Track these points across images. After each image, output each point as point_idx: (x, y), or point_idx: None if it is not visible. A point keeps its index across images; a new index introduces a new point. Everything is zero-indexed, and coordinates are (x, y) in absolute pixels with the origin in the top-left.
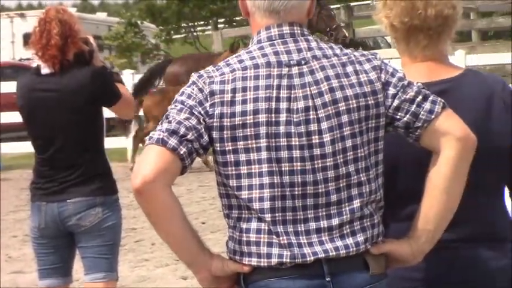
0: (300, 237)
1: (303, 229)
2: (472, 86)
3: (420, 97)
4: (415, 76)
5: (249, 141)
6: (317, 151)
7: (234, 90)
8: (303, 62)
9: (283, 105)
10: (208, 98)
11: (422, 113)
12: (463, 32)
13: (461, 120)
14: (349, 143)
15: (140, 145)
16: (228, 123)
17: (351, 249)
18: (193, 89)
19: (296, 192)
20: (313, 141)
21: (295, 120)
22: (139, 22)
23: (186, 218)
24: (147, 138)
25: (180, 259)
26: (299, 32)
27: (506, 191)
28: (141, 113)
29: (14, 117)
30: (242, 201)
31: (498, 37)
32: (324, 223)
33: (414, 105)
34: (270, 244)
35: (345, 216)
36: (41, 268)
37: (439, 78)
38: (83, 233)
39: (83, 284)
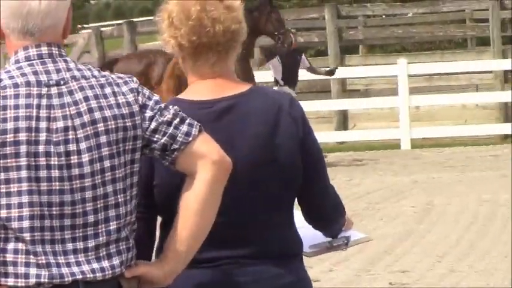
0: (59, 258)
1: (60, 249)
2: (260, 101)
3: (177, 120)
4: (203, 93)
5: (9, 160)
6: (75, 171)
7: None
8: (62, 82)
9: (43, 124)
10: None
11: (179, 135)
12: None
13: (217, 145)
14: (107, 163)
15: None
16: None
17: (107, 273)
18: None
19: (54, 212)
20: (72, 161)
21: (54, 139)
22: None
23: None
24: None
25: None
26: (57, 52)
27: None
28: None
29: None
30: (0, 221)
31: None
32: (80, 244)
33: (171, 128)
34: (27, 264)
35: (101, 238)
36: None
37: (228, 94)
38: None
39: None
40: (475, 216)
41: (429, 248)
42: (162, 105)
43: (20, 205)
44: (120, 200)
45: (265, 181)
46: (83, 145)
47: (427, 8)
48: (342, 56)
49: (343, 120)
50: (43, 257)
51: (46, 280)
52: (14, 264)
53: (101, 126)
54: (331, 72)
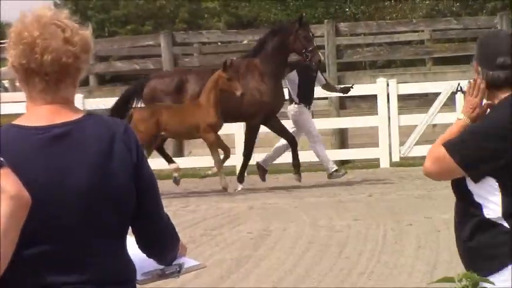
0: None
1: None
2: (94, 128)
3: None
4: (37, 120)
5: None
6: None
7: None
8: None
9: None
10: None
11: None
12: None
13: (16, 180)
14: None
15: None
16: None
17: None
18: None
19: None
20: None
21: None
22: None
23: None
24: None
25: None
26: None
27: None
28: None
29: None
30: None
31: (116, 81)
32: None
33: None
34: None
35: None
36: None
37: (62, 120)
38: None
39: None
40: (311, 241)
41: (266, 274)
42: None
43: None
44: None
45: (98, 208)
46: None
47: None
48: None
49: (179, 147)
50: None
51: None
52: None
53: None
54: (346, 90)
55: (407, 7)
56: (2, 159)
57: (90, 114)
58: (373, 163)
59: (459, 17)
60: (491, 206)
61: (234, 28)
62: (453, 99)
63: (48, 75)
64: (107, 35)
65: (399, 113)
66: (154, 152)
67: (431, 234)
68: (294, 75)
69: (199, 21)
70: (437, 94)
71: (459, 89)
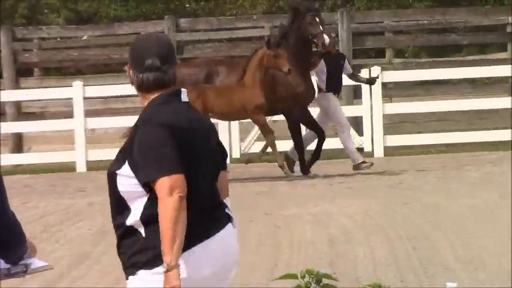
0: None
1: None
2: None
3: None
4: None
5: None
6: None
7: None
8: None
9: None
10: None
11: None
12: None
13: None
14: None
15: None
16: None
17: None
18: None
19: None
20: None
21: None
22: None
23: None
24: None
25: None
26: None
27: None
28: None
29: None
30: None
31: None
32: None
33: None
34: None
35: None
36: None
37: None
38: None
39: None
40: None
41: (106, 271)
42: None
43: None
44: None
45: None
46: None
47: (102, 31)
48: (17, 78)
49: (18, 143)
50: None
51: None
52: None
53: None
54: (372, 81)
55: (247, 3)
56: None
57: None
58: None
59: None
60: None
61: (73, 23)
62: None
63: None
64: None
65: None
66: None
67: (271, 231)
68: (322, 64)
69: (39, 16)
70: None
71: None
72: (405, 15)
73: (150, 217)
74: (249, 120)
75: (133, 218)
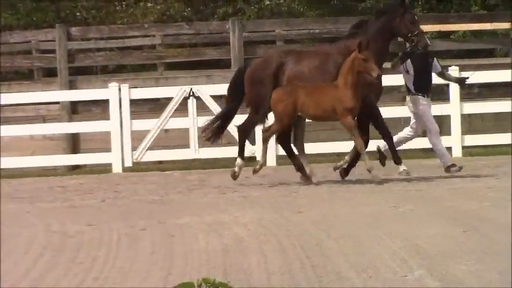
0: None
1: None
2: None
3: None
4: None
5: None
6: None
7: None
8: None
9: None
10: None
11: None
12: None
13: None
14: None
15: None
16: None
17: None
18: None
19: None
20: None
21: None
22: None
23: None
24: None
25: None
26: None
27: None
28: None
29: None
30: None
31: None
32: None
33: None
34: None
35: None
36: None
37: None
38: None
39: None
40: (45, 247)
41: None
42: None
43: None
44: None
45: None
46: None
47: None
48: None
49: None
50: None
51: None
52: None
53: None
54: (463, 81)
55: (138, 12)
56: None
57: None
58: (106, 168)
59: (191, 22)
60: None
61: None
62: (186, 104)
63: None
64: None
65: (131, 118)
66: None
67: (165, 240)
68: (408, 64)
69: None
70: (169, 99)
71: (191, 93)
72: (296, 24)
73: None
74: (142, 128)
75: None
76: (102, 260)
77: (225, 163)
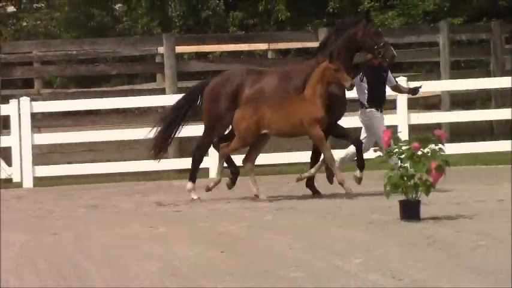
0: None
1: None
2: None
3: None
4: None
5: None
6: None
7: None
8: None
9: None
10: None
11: None
12: None
13: None
14: None
15: None
16: None
17: None
18: None
19: None
20: None
21: None
22: None
23: None
24: None
25: None
26: None
27: None
28: None
29: None
30: None
31: None
32: None
33: None
34: None
35: None
36: None
37: None
38: None
39: None
40: None
41: None
42: None
43: None
44: None
45: None
46: None
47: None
48: None
49: None
50: None
51: None
52: None
53: None
54: (416, 91)
55: None
56: None
57: None
58: None
59: None
60: None
61: None
62: None
63: None
64: None
65: None
66: None
67: None
68: (358, 79)
69: None
70: None
71: None
72: (53, 46)
73: None
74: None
75: None
76: None
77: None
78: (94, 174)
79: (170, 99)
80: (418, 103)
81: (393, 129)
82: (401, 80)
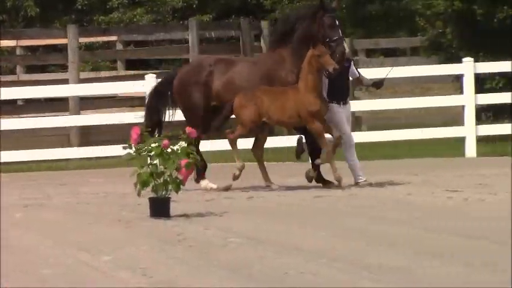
0: None
1: None
2: None
3: None
4: None
5: None
6: None
7: None
8: None
9: None
10: None
11: None
12: None
13: None
14: None
15: None
16: None
17: None
18: None
19: None
20: None
21: None
22: None
23: None
24: None
25: None
26: None
27: None
28: None
29: None
30: None
31: None
32: None
33: None
34: None
35: None
36: None
37: None
38: None
39: None
40: None
41: None
42: None
43: None
44: None
45: None
46: None
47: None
48: None
49: None
50: None
51: None
52: None
53: None
54: (379, 84)
55: None
56: None
57: None
58: None
59: None
60: None
61: None
62: None
63: None
64: None
65: None
66: None
67: None
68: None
69: None
70: None
71: None
72: None
73: None
74: None
75: None
76: None
77: None
78: None
79: None
80: None
81: None
82: (151, 77)
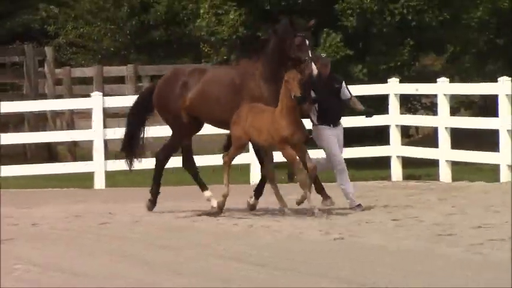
0: None
1: None
2: None
3: None
4: None
5: None
6: None
7: None
8: None
9: None
10: None
11: None
12: None
13: None
14: None
15: None
16: None
17: None
18: None
19: None
20: None
21: None
22: None
23: None
24: None
25: None
26: None
27: None
28: None
29: None
30: None
31: None
32: None
33: None
34: None
35: None
36: None
37: None
38: None
39: None
40: None
41: None
42: None
43: None
44: None
45: None
46: None
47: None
48: None
49: None
50: None
51: None
52: None
53: None
54: (371, 113)
55: None
56: None
57: None
58: None
59: None
60: None
61: None
62: None
63: None
64: None
65: None
66: None
67: None
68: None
69: None
70: None
71: None
72: None
73: None
74: None
75: None
76: None
77: None
78: None
79: None
80: None
81: None
82: None
